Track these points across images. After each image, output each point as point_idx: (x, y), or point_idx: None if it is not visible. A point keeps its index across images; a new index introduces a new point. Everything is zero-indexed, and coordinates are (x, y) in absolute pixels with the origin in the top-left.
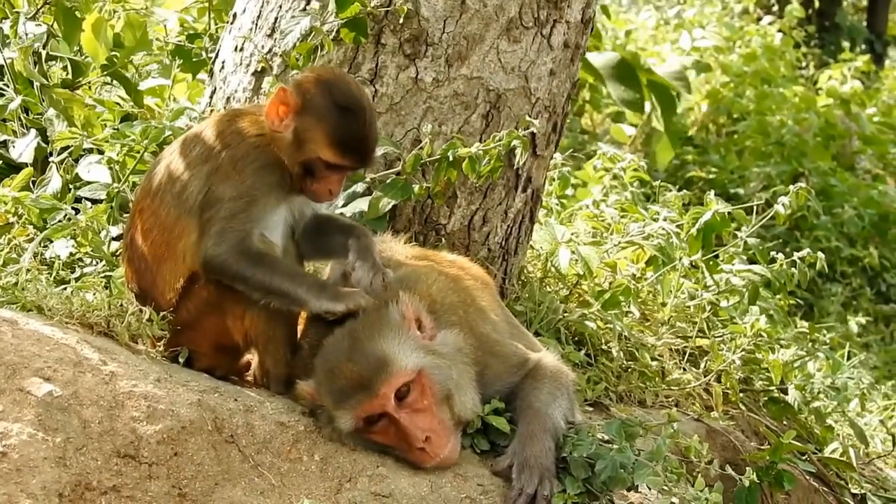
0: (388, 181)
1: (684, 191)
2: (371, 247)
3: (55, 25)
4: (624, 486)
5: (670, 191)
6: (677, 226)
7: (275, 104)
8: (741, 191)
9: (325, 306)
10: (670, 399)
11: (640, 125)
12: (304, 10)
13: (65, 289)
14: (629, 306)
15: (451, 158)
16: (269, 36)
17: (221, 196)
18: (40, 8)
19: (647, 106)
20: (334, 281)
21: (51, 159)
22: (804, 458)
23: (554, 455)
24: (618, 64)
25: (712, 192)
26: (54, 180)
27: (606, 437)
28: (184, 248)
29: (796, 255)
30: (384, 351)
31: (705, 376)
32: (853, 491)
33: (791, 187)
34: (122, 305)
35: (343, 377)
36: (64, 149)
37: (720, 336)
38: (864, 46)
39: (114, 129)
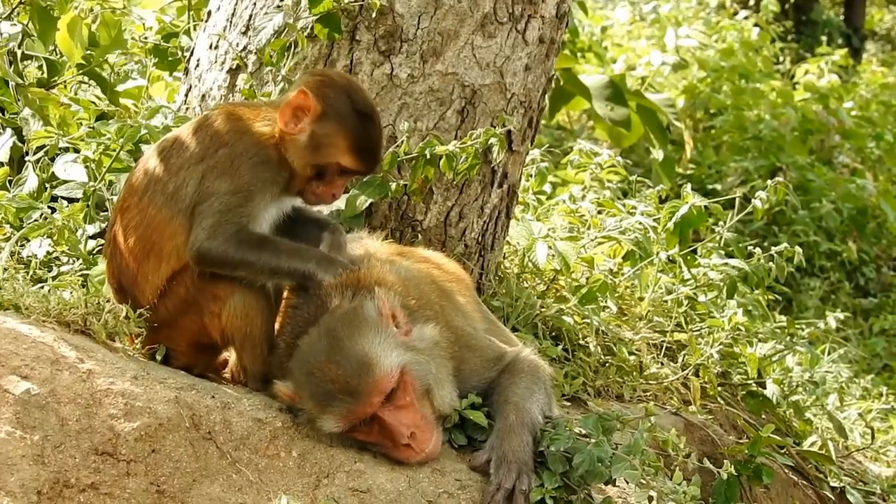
0: (365, 179)
1: (661, 185)
2: (343, 242)
3: (30, 24)
4: (601, 480)
5: (647, 186)
6: (654, 220)
7: (292, 106)
8: (719, 186)
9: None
10: (648, 393)
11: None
12: (278, 6)
13: (42, 287)
14: (606, 301)
15: (428, 156)
16: (244, 33)
17: (216, 190)
18: (15, 7)
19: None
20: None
21: (27, 158)
22: (783, 451)
23: (531, 449)
24: (606, 84)
25: (689, 186)
26: (30, 179)
27: (584, 432)
28: (174, 247)
29: (774, 250)
30: (366, 352)
31: (683, 370)
32: (832, 484)
33: (769, 182)
34: (98, 303)
35: (326, 380)
36: (40, 148)
37: (698, 330)
38: (841, 41)
39: (90, 127)
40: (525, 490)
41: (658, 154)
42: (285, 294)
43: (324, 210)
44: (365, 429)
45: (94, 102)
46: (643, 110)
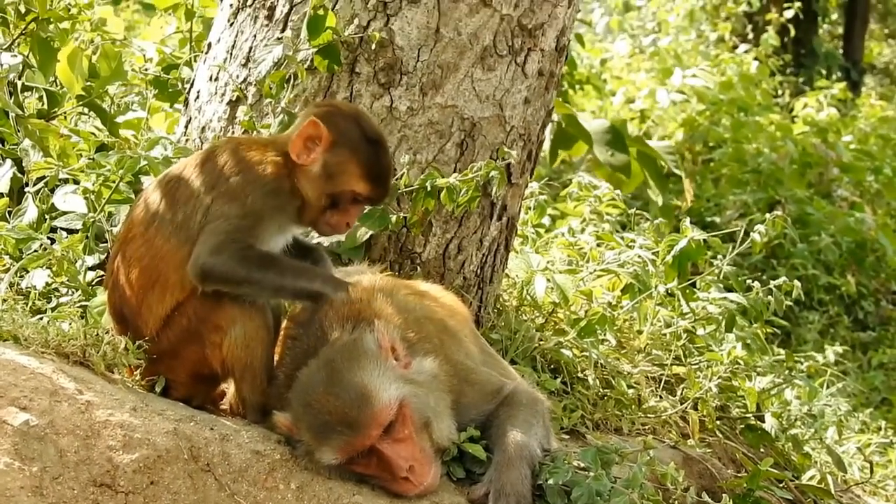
0: (364, 211)
1: (659, 219)
2: (331, 270)
3: (31, 55)
4: None
5: (646, 220)
6: (653, 253)
7: (304, 136)
8: (717, 219)
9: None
10: (647, 427)
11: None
12: (278, 38)
13: (41, 318)
14: (605, 334)
15: (429, 188)
16: (244, 65)
17: (225, 213)
18: (16, 38)
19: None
20: (341, 275)
21: (26, 189)
22: (781, 485)
23: (530, 482)
24: (607, 130)
25: (688, 219)
26: (30, 210)
27: (583, 465)
28: (181, 277)
29: (773, 284)
30: (365, 384)
31: (682, 404)
32: None
33: (767, 215)
34: (97, 335)
35: (325, 412)
36: (40, 179)
37: (696, 364)
38: (840, 74)
39: (89, 159)
40: None
41: (658, 199)
42: (284, 325)
43: (325, 242)
44: (363, 461)
45: (93, 134)
46: (643, 157)
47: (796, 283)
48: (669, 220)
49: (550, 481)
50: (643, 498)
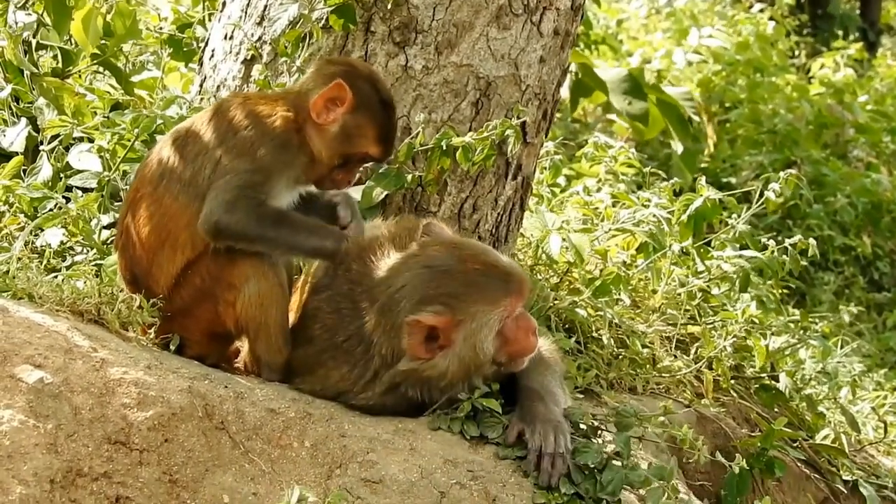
0: (380, 170)
1: (675, 178)
2: (356, 206)
3: (45, 14)
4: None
5: (661, 179)
6: (668, 213)
7: (326, 97)
8: (733, 179)
9: None
10: (661, 386)
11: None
12: None
13: (55, 277)
14: (620, 293)
15: (444, 147)
16: (259, 24)
17: (235, 168)
18: None
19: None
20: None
21: (41, 148)
22: (795, 445)
23: (560, 412)
24: (624, 78)
25: (704, 179)
26: (45, 169)
27: (613, 449)
28: (190, 235)
29: (788, 242)
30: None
31: (696, 363)
32: (845, 478)
33: (781, 174)
34: (112, 293)
35: (488, 273)
36: (54, 137)
37: (711, 323)
38: (856, 34)
39: (104, 117)
40: (563, 452)
41: (678, 147)
42: (300, 283)
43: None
44: (510, 323)
45: (108, 92)
46: (663, 104)
47: (812, 241)
48: (692, 166)
49: (579, 461)
50: (674, 490)
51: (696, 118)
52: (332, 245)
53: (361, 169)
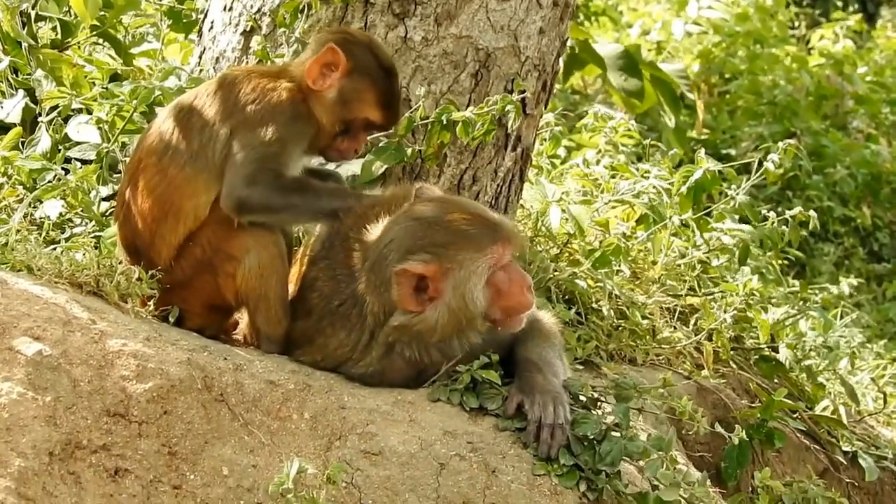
0: (380, 144)
1: (674, 149)
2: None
3: None
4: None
5: (661, 150)
6: (668, 184)
7: (320, 63)
8: (733, 151)
9: None
10: (661, 357)
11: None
12: None
13: (54, 249)
14: (620, 265)
15: (444, 122)
16: None
17: (250, 143)
18: None
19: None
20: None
21: (40, 119)
22: (795, 416)
23: (560, 383)
24: (620, 55)
25: (703, 150)
26: (43, 140)
27: (612, 421)
28: (194, 206)
29: (788, 214)
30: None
31: (696, 335)
32: (844, 449)
33: (780, 144)
34: (111, 265)
35: (477, 223)
36: (53, 109)
37: (711, 294)
38: (856, 6)
39: (103, 88)
40: (562, 423)
41: (670, 122)
42: (299, 255)
43: (341, 169)
44: (501, 274)
45: (107, 63)
46: (657, 81)
47: (812, 213)
48: (682, 144)
49: (578, 432)
50: (672, 461)
51: (689, 95)
52: (354, 202)
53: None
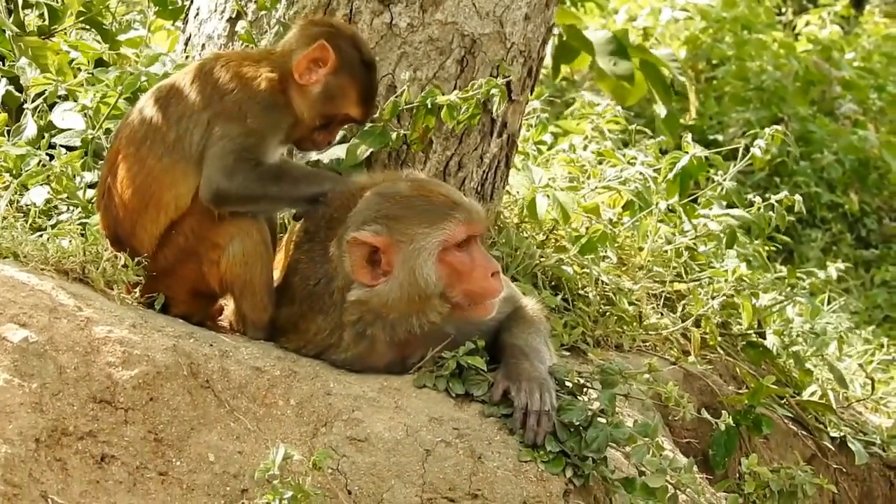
0: (365, 128)
1: (662, 136)
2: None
3: None
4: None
5: (647, 136)
6: (655, 170)
7: (309, 58)
8: (720, 137)
9: None
10: (647, 344)
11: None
12: None
13: (40, 236)
14: (606, 251)
15: (429, 106)
16: None
17: (227, 134)
18: None
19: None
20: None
21: (25, 106)
22: (782, 402)
23: (545, 370)
24: (609, 40)
25: (690, 136)
26: (29, 127)
27: (598, 407)
28: (174, 196)
29: (774, 198)
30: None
31: (683, 321)
32: (832, 435)
33: (767, 130)
34: (97, 252)
35: (435, 201)
36: (38, 95)
37: (698, 280)
38: None
39: (88, 73)
40: (549, 410)
41: (661, 110)
42: (284, 241)
43: (323, 160)
44: (459, 254)
45: (93, 48)
46: (646, 65)
47: (798, 197)
48: (673, 130)
49: (564, 418)
50: (658, 448)
51: (681, 78)
52: (331, 186)
53: (345, 128)
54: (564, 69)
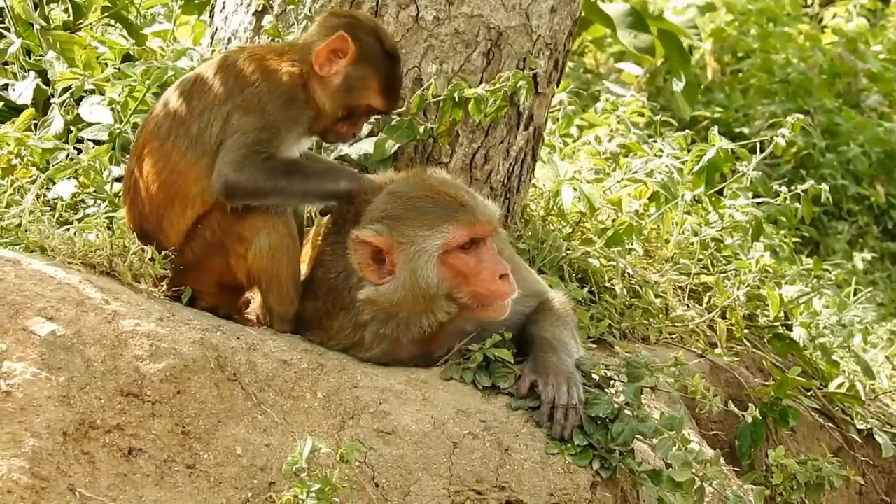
0: (392, 122)
1: (688, 130)
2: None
3: None
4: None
5: (673, 128)
6: (681, 162)
7: (329, 49)
8: (746, 129)
9: None
10: (674, 336)
11: (646, 67)
12: None
13: (67, 229)
14: (632, 243)
15: (456, 99)
16: None
17: (242, 127)
18: None
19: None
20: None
21: (52, 101)
22: (809, 394)
23: (573, 363)
24: (628, 13)
25: (716, 128)
26: (56, 121)
27: (624, 400)
28: (199, 190)
29: (800, 188)
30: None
31: (709, 313)
32: (859, 427)
33: (789, 118)
34: (124, 245)
35: (440, 202)
36: (65, 90)
37: (724, 272)
38: None
39: (115, 68)
40: (576, 404)
41: (678, 85)
42: (311, 235)
43: (351, 155)
44: (463, 256)
45: (119, 44)
46: (664, 34)
47: (824, 186)
48: (692, 100)
49: (590, 412)
50: (684, 441)
51: (699, 44)
52: (346, 185)
53: (371, 121)
54: (589, 60)
